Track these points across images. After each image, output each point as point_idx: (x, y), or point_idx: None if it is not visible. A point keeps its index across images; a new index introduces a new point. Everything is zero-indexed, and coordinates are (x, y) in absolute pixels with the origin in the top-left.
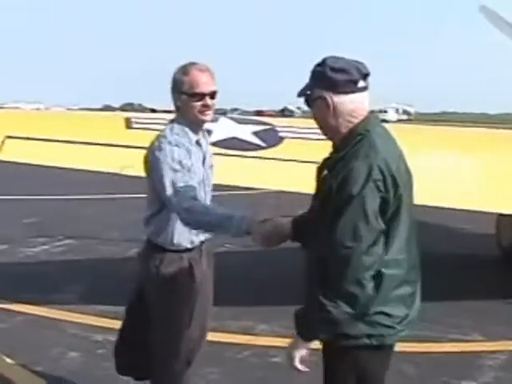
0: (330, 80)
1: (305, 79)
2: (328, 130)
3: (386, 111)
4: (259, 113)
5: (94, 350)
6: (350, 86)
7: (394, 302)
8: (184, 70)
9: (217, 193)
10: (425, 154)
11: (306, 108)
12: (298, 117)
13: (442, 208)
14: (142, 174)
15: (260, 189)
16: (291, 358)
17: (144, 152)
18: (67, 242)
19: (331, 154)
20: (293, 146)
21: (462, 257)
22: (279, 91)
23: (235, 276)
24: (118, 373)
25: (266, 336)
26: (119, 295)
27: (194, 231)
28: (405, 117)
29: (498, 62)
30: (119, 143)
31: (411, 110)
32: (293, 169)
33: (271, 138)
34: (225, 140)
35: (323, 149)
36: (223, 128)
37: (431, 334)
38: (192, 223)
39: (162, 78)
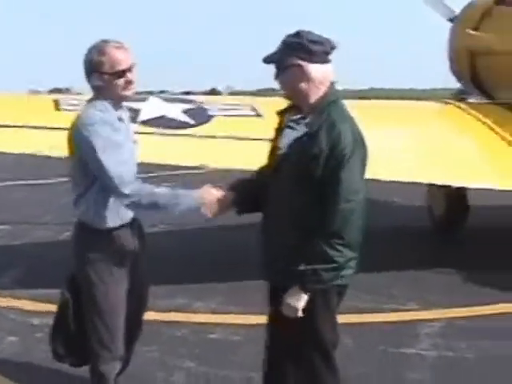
0: (307, 50)
1: (232, 60)
2: (298, 95)
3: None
4: (187, 93)
5: (32, 334)
6: (324, 57)
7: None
8: (99, 49)
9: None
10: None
11: (234, 88)
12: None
13: (372, 180)
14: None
15: (194, 167)
16: (295, 310)
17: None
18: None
19: (297, 118)
20: (222, 123)
21: (395, 229)
22: (207, 72)
23: (169, 255)
24: (55, 359)
25: (203, 313)
26: (54, 278)
27: (122, 209)
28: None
29: (427, 37)
30: (48, 125)
31: (339, 87)
32: (222, 145)
33: (200, 115)
34: (154, 119)
35: (251, 125)
36: (152, 107)
37: (367, 304)
38: (140, 207)
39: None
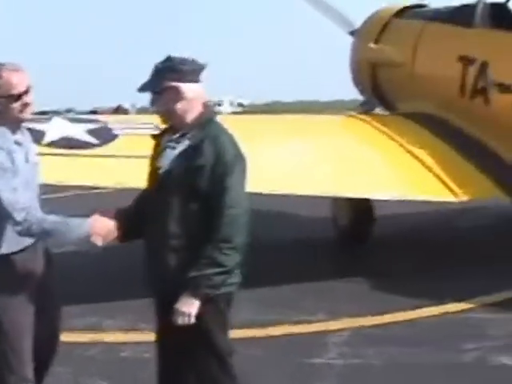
0: (178, 70)
1: (136, 78)
2: (176, 115)
3: (220, 104)
4: (93, 113)
5: None
6: (194, 76)
7: None
8: None
9: (62, 194)
10: (258, 142)
11: (139, 105)
12: (133, 114)
13: (279, 195)
14: None
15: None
16: (189, 317)
17: None
18: None
19: (176, 137)
20: (127, 142)
21: (301, 240)
22: (113, 89)
23: (78, 274)
24: None
25: (113, 332)
26: None
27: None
28: (239, 109)
29: (328, 49)
30: None
31: (245, 101)
32: (128, 165)
33: (105, 135)
34: (58, 140)
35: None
36: (56, 128)
37: (276, 317)
38: (30, 234)
39: None
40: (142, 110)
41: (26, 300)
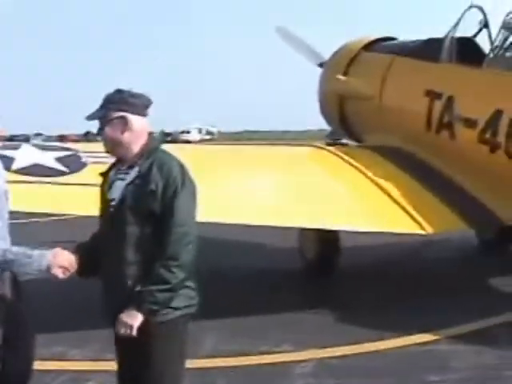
0: (129, 103)
1: (96, 104)
2: (122, 146)
3: (188, 132)
4: (62, 137)
5: None
6: (143, 110)
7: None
8: None
9: (34, 219)
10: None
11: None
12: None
13: (242, 225)
14: None
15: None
16: (130, 328)
17: None
18: None
19: (124, 169)
20: (95, 171)
21: (267, 271)
22: (81, 115)
23: (44, 303)
24: None
25: (79, 361)
26: None
27: None
28: (208, 137)
29: (298, 80)
30: None
31: (214, 129)
32: (96, 193)
33: (74, 163)
34: (27, 167)
35: None
36: (25, 155)
37: (241, 347)
38: None
39: None
40: None
41: None
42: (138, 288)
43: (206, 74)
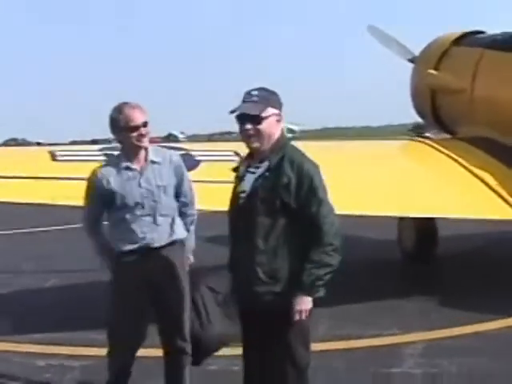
0: (280, 103)
1: (182, 107)
2: (270, 140)
3: None
4: (95, 142)
5: (40, 375)
6: (281, 108)
7: None
8: (118, 109)
9: None
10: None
11: (188, 133)
12: (183, 141)
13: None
14: (73, 203)
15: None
16: (306, 313)
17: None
18: None
19: (255, 164)
20: (209, 168)
21: (369, 262)
22: (161, 118)
23: None
24: None
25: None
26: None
27: None
28: (290, 135)
29: (379, 75)
30: (48, 175)
31: (296, 127)
32: (212, 190)
33: (189, 161)
34: None
35: None
36: None
37: (352, 331)
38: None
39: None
40: (191, 137)
41: None
42: (304, 277)
43: (287, 72)
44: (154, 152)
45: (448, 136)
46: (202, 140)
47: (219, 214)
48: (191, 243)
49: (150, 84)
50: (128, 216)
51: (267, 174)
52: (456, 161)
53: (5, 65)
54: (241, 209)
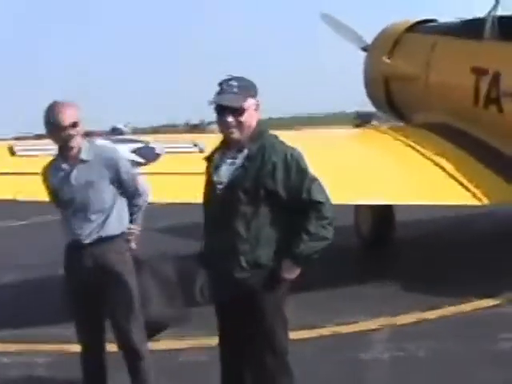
0: (255, 89)
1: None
2: (249, 129)
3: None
4: (89, 133)
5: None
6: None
7: None
8: (48, 109)
9: None
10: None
11: (133, 125)
12: (128, 134)
13: None
14: (34, 198)
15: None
16: (285, 283)
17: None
18: None
19: (231, 151)
20: (168, 161)
21: (327, 248)
22: (105, 111)
23: None
24: None
25: (165, 340)
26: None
27: None
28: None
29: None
30: (8, 171)
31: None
32: (172, 181)
33: (149, 154)
34: None
35: (196, 160)
36: None
37: (316, 320)
38: None
39: None
40: (137, 130)
41: None
42: (295, 247)
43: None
44: (86, 150)
45: (402, 123)
46: (147, 133)
47: (174, 205)
48: (135, 231)
49: (91, 76)
50: (65, 212)
51: (247, 163)
52: (412, 147)
53: None
54: (219, 199)
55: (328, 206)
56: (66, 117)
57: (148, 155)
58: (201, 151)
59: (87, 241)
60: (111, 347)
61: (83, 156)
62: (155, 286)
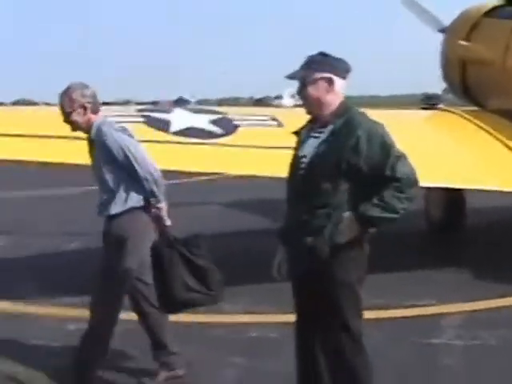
0: (334, 66)
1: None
2: (322, 106)
3: (281, 97)
4: (155, 103)
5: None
6: (344, 74)
7: None
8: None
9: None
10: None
11: (200, 97)
12: (194, 105)
13: None
14: None
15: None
16: (343, 236)
17: None
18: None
19: (318, 128)
20: (248, 133)
21: (398, 231)
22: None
23: None
24: None
25: (233, 314)
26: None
27: None
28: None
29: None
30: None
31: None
32: (249, 154)
33: (227, 126)
34: (184, 129)
35: (274, 134)
36: (180, 118)
37: (387, 302)
38: None
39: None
40: (202, 101)
41: None
42: (363, 207)
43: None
44: (96, 130)
45: (473, 107)
46: (212, 104)
47: (240, 179)
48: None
49: (156, 47)
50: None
51: (331, 138)
52: (486, 131)
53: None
54: (302, 174)
55: (411, 183)
56: (64, 106)
57: (227, 126)
58: (280, 126)
59: (103, 214)
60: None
61: (93, 136)
62: (182, 266)
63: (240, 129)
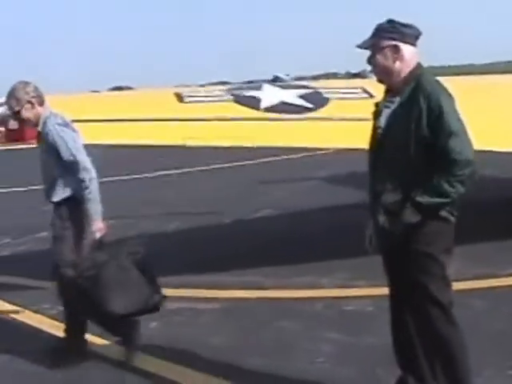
0: (400, 32)
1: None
2: (391, 74)
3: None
4: (250, 83)
5: (172, 318)
6: (413, 40)
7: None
8: None
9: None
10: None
11: (294, 75)
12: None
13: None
14: (203, 144)
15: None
16: (405, 226)
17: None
18: None
19: (389, 95)
20: (339, 106)
21: (495, 200)
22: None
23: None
24: None
25: (331, 288)
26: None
27: None
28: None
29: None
30: (177, 117)
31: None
32: (343, 127)
33: (318, 99)
34: (276, 105)
35: (367, 106)
36: (270, 94)
37: (485, 270)
38: None
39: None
40: (298, 78)
41: None
42: (417, 198)
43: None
44: (42, 124)
45: None
46: (307, 80)
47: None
48: (90, 210)
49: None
50: None
51: (398, 108)
52: None
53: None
54: (378, 145)
55: (463, 164)
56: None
57: (317, 100)
58: (371, 97)
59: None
60: None
61: (40, 129)
62: (115, 272)
63: (331, 102)
